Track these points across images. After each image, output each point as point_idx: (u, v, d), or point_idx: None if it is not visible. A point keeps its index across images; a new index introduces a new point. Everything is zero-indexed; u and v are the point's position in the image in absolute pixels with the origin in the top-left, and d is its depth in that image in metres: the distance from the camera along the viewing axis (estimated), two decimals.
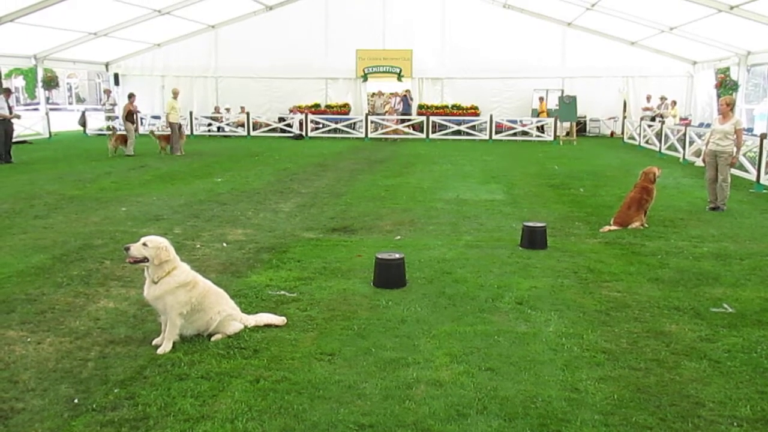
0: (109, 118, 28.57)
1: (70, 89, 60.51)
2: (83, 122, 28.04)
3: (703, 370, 4.43)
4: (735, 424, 3.73)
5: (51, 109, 27.89)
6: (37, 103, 34.14)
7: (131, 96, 20.60)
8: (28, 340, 4.91)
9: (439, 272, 6.84)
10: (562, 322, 5.35)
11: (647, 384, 4.22)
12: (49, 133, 25.29)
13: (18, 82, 56.78)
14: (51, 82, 27.54)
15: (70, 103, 55.53)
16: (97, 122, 28.94)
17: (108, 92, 29.69)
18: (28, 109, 34.58)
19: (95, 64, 29.68)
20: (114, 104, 29.12)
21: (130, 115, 19.87)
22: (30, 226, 9.04)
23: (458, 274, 6.79)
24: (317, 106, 28.47)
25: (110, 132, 21.16)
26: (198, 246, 8.00)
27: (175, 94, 20.40)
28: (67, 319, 5.36)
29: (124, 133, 19.76)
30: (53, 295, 6.01)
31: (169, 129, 20.24)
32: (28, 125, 24.97)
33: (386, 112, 27.17)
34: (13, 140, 17.79)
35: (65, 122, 30.21)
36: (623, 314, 5.58)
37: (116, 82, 29.35)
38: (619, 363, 4.54)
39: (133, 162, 17.07)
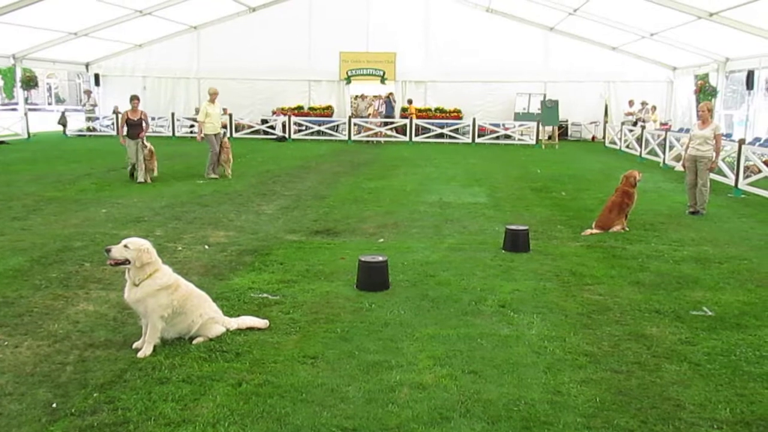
0: (89, 119, 28.30)
1: (49, 89, 59.81)
2: (63, 122, 27.65)
3: (683, 373, 4.47)
4: (715, 426, 3.77)
5: (30, 110, 27.51)
6: (16, 104, 33.69)
7: (133, 99, 14.32)
8: (6, 343, 4.84)
9: (423, 275, 6.84)
10: (544, 325, 5.38)
11: (629, 386, 4.25)
12: (28, 133, 24.95)
13: None
14: (30, 82, 27.17)
15: (50, 104, 54.90)
16: (77, 123, 28.58)
17: (88, 93, 29.39)
18: (6, 110, 34.09)
19: (75, 64, 29.34)
20: (94, 105, 28.84)
21: (133, 127, 13.94)
22: (8, 228, 8.90)
23: (441, 276, 6.80)
24: (300, 108, 28.38)
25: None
26: (179, 248, 7.93)
27: (213, 96, 14.94)
28: (46, 323, 5.28)
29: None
30: (31, 297, 5.92)
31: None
32: (6, 126, 24.64)
33: (369, 114, 27.18)
34: None
35: (44, 123, 29.83)
36: (605, 317, 5.61)
37: (97, 83, 29.05)
38: (601, 366, 4.57)
39: (114, 163, 16.86)
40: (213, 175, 14.56)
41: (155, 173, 14.10)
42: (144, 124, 14.04)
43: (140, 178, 13.58)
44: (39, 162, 17.28)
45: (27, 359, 4.56)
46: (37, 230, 8.81)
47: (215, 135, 14.78)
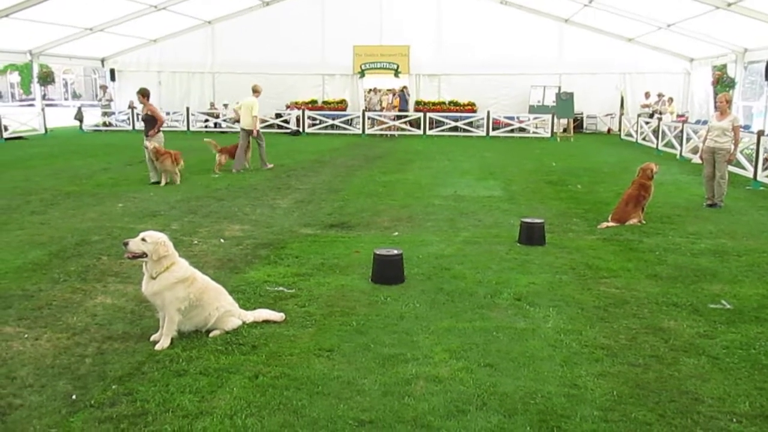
0: (105, 114, 28.52)
1: (66, 85, 60.39)
2: (80, 117, 27.85)
3: (701, 366, 4.43)
4: (734, 420, 3.74)
5: (47, 105, 27.76)
6: (33, 99, 34.00)
7: (137, 93, 13.00)
8: (26, 336, 4.90)
9: (438, 268, 6.83)
10: (560, 318, 5.35)
11: (646, 380, 4.22)
12: (45, 129, 25.18)
13: (13, 78, 56.64)
14: (47, 78, 27.45)
15: (66, 99, 55.42)
16: (93, 118, 28.81)
17: (104, 88, 29.62)
18: (23, 105, 34.38)
19: (91, 59, 29.57)
20: (110, 100, 29.06)
21: (150, 121, 12.76)
22: (26, 222, 9.01)
23: (456, 270, 6.78)
24: (314, 102, 28.39)
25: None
26: (195, 242, 7.98)
27: (257, 93, 15.43)
28: (65, 315, 5.34)
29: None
30: (50, 291, 5.99)
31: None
32: (23, 121, 24.88)
33: (383, 108, 27.13)
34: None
35: (61, 118, 30.07)
36: (622, 310, 5.58)
37: (112, 78, 29.26)
38: (618, 359, 4.55)
39: (130, 157, 16.99)
40: (241, 169, 14.80)
41: (178, 176, 12.74)
42: (157, 119, 12.73)
43: (150, 179, 12.66)
44: (56, 157, 17.44)
45: (47, 351, 4.61)
46: (56, 224, 8.91)
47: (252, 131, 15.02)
